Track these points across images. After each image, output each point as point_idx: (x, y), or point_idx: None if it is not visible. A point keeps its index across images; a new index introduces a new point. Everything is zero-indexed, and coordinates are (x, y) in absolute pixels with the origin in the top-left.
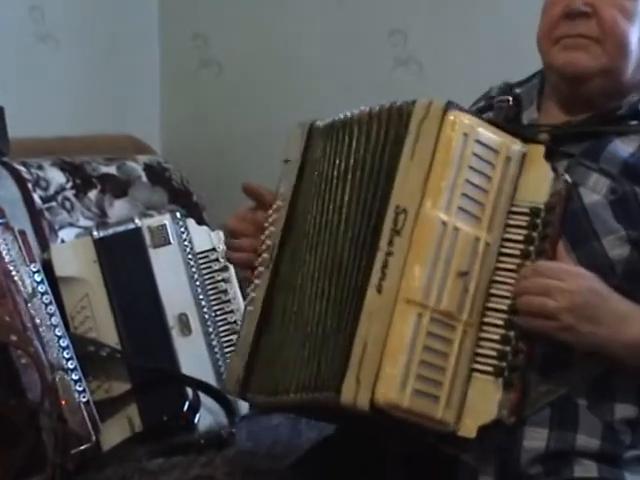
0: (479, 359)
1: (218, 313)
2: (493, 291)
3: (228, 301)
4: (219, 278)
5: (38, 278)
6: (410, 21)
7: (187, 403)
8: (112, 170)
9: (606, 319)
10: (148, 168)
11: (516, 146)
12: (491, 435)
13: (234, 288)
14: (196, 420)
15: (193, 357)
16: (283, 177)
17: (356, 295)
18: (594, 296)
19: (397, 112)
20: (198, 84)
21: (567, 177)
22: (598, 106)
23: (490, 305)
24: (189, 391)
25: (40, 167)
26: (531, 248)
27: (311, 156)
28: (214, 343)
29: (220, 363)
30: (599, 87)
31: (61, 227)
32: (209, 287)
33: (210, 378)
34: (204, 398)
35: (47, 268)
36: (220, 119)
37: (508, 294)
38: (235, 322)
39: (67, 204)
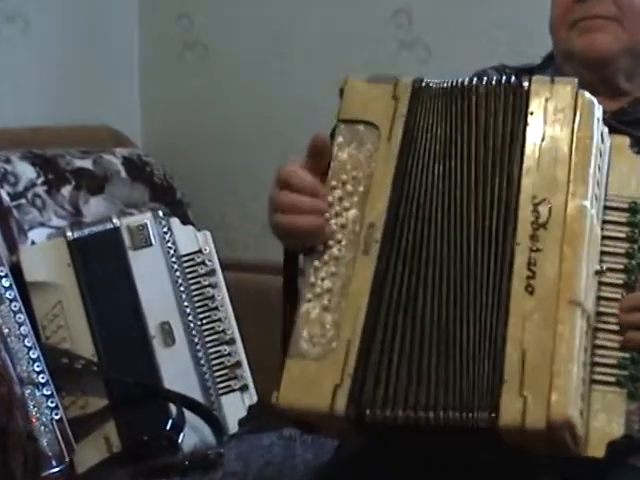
0: (597, 369)
1: (204, 322)
2: (605, 294)
3: (215, 308)
4: (206, 283)
5: (6, 283)
6: (415, 0)
7: (170, 421)
8: (87, 164)
9: None
10: (127, 162)
11: (616, 139)
12: (620, 453)
13: (222, 294)
14: (180, 440)
15: (177, 370)
16: (355, 142)
17: (497, 296)
18: None
19: (512, 90)
20: (182, 69)
21: None
22: (623, 90)
23: (604, 310)
24: (172, 408)
25: (8, 160)
26: (635, 246)
27: (418, 128)
28: (200, 354)
29: (207, 376)
30: (623, 68)
31: (31, 227)
32: (195, 293)
33: (196, 393)
34: (189, 415)
35: (16, 272)
36: (207, 107)
37: (613, 296)
38: (223, 331)
39: (38, 201)
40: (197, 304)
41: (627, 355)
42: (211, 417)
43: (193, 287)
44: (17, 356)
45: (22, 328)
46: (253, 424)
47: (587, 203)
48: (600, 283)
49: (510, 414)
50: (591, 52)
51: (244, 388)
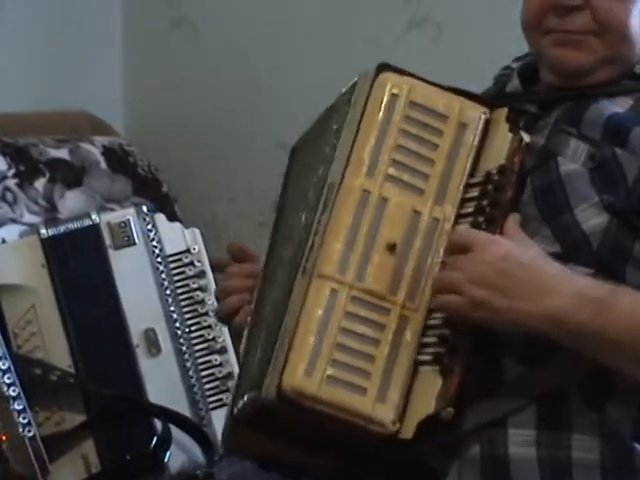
0: (425, 350)
1: (193, 328)
2: None
3: (205, 314)
4: (194, 286)
5: None
6: None
7: (155, 438)
8: (64, 154)
9: (524, 290)
10: (108, 152)
11: (474, 111)
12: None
13: (213, 298)
14: (166, 459)
15: (162, 382)
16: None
17: (289, 285)
18: (510, 265)
19: (349, 90)
20: (169, 49)
21: (523, 134)
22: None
23: None
24: (158, 423)
25: None
26: (480, 219)
27: (291, 174)
28: (188, 365)
29: (195, 389)
30: (606, 76)
31: (1, 224)
32: (182, 297)
33: (183, 407)
34: (176, 432)
35: None
36: (196, 92)
37: None
38: (213, 339)
39: (8, 196)
40: (185, 309)
41: (447, 332)
42: (200, 434)
43: (180, 290)
44: None
45: None
46: None
47: (362, 180)
48: (443, 263)
49: (266, 389)
50: (564, 66)
51: None
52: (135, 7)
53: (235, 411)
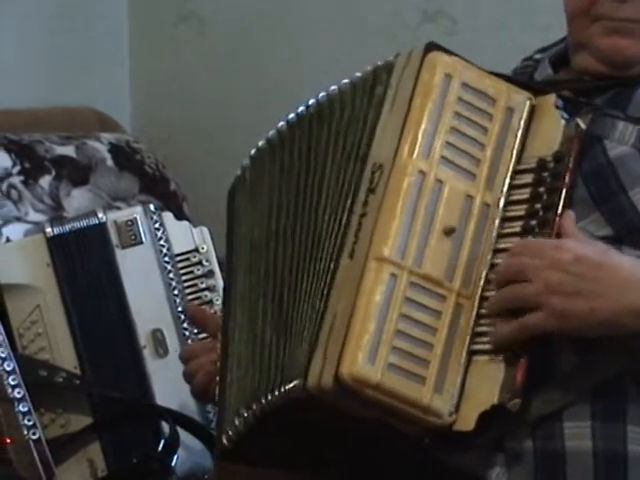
0: (480, 339)
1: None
2: (497, 261)
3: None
4: (202, 286)
5: None
6: None
7: (162, 441)
8: (69, 151)
9: (604, 289)
10: (114, 149)
11: (520, 96)
12: (496, 426)
13: (221, 298)
14: (174, 462)
15: (170, 384)
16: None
17: (332, 266)
18: (584, 267)
19: (375, 73)
20: (176, 44)
21: (579, 121)
22: None
23: (493, 277)
24: (165, 426)
25: None
26: (537, 205)
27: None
28: None
29: None
30: None
31: (6, 222)
32: (190, 297)
33: (191, 410)
34: (183, 435)
35: None
36: (204, 88)
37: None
38: None
39: (13, 194)
40: None
41: None
42: (208, 437)
43: (188, 290)
44: None
45: None
46: None
47: (417, 160)
48: (496, 250)
49: (313, 377)
50: (615, 55)
51: None
52: (142, 2)
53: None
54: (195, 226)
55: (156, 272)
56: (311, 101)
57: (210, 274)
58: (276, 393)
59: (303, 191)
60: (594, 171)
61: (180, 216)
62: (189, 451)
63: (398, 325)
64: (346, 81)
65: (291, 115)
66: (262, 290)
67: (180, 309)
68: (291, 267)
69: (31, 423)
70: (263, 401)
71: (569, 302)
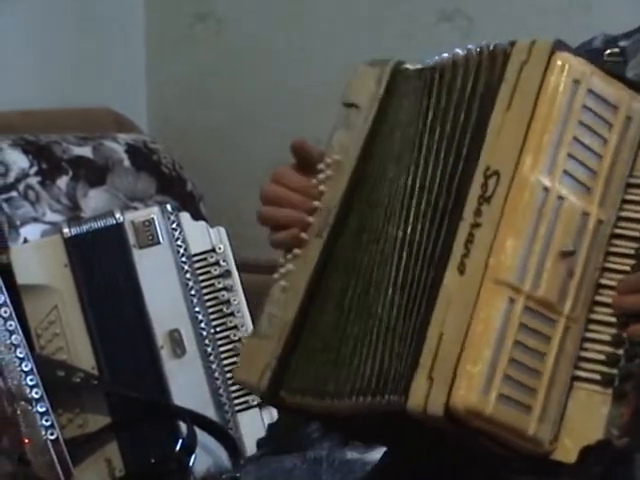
0: (583, 365)
1: (218, 329)
2: (604, 281)
3: (231, 314)
4: (220, 286)
5: None
6: None
7: (180, 441)
8: (87, 152)
9: None
10: (131, 149)
11: (638, 104)
12: (596, 461)
13: (239, 298)
14: (191, 462)
15: (187, 384)
16: (344, 125)
17: (432, 276)
18: None
19: (490, 56)
20: (192, 44)
21: None
22: None
23: (599, 299)
24: (182, 426)
25: None
26: None
27: (391, 107)
28: (213, 367)
29: (221, 391)
30: None
31: (23, 223)
32: (207, 297)
33: (209, 410)
34: (201, 435)
35: (6, 274)
36: (221, 87)
37: (611, 283)
38: (239, 340)
39: (31, 194)
40: (210, 309)
41: (620, 351)
42: (226, 437)
43: (206, 290)
44: (7, 368)
45: (13, 337)
46: (273, 445)
47: (541, 176)
48: (603, 269)
49: (416, 398)
50: None
51: (263, 405)
52: (158, 2)
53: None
54: (212, 226)
55: (173, 272)
56: (438, 58)
57: (227, 274)
58: (360, 399)
59: (403, 160)
60: None
61: (197, 216)
62: (206, 451)
63: (512, 353)
64: (459, 51)
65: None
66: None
67: (197, 309)
68: (375, 246)
69: (49, 423)
70: (333, 399)
71: None
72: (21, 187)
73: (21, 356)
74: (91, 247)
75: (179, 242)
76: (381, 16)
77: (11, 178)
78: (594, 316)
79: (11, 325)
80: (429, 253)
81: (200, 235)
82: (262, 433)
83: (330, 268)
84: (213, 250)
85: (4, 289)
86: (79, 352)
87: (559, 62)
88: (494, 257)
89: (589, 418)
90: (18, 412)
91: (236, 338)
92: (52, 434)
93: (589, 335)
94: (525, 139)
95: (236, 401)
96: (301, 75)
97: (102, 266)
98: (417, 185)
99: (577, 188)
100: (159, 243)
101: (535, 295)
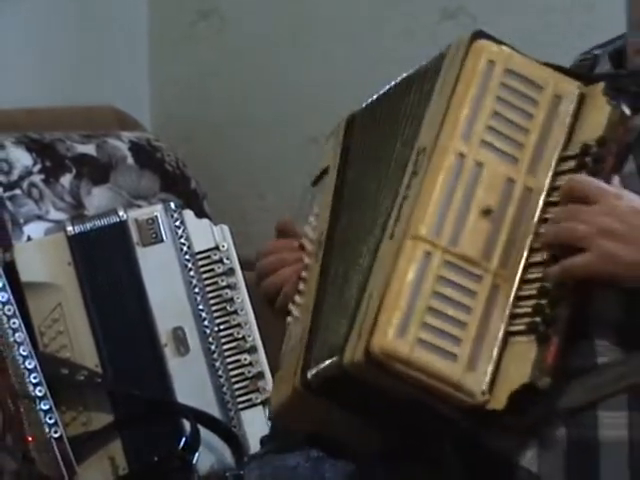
0: (517, 320)
1: (222, 327)
2: (537, 245)
3: (234, 312)
4: (223, 284)
5: None
6: None
7: (183, 439)
8: (90, 150)
9: None
10: (135, 147)
11: (569, 85)
12: (527, 408)
13: (242, 296)
14: (195, 460)
15: (191, 382)
16: (320, 191)
17: (373, 249)
18: (638, 217)
19: (435, 60)
20: (196, 42)
21: (624, 107)
22: None
23: (533, 260)
24: (186, 424)
25: (1, 146)
26: None
27: (354, 144)
28: (217, 364)
29: (225, 389)
30: None
31: (27, 221)
32: (211, 295)
33: (212, 408)
34: (204, 433)
35: (9, 272)
36: (224, 85)
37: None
38: (243, 338)
39: (34, 192)
40: (214, 307)
41: (544, 301)
42: (229, 435)
43: (209, 288)
44: (11, 366)
45: (17, 335)
46: (277, 443)
47: (457, 143)
48: (537, 234)
49: (348, 353)
50: None
51: (267, 402)
52: (160, 0)
53: (304, 378)
54: (215, 224)
55: (177, 270)
56: (393, 82)
57: (230, 272)
58: (320, 367)
59: (372, 169)
60: None
61: (200, 214)
62: (210, 449)
63: (430, 302)
64: (417, 66)
65: (382, 90)
66: (344, 251)
67: (201, 307)
68: (352, 240)
69: (52, 421)
70: (316, 369)
71: (620, 247)
72: (25, 185)
73: (24, 354)
74: (94, 245)
75: (182, 240)
76: (382, 14)
77: (15, 176)
78: (529, 276)
79: (15, 323)
80: (379, 228)
81: (203, 233)
82: (265, 431)
83: (326, 284)
84: (217, 248)
85: (8, 287)
86: (83, 350)
87: (476, 48)
88: (413, 218)
89: (519, 366)
90: (22, 410)
91: (240, 336)
92: (56, 432)
93: (523, 294)
94: (445, 115)
95: (239, 399)
96: (304, 73)
97: (105, 264)
98: (379, 187)
99: (500, 157)
100: (162, 241)
101: (453, 250)
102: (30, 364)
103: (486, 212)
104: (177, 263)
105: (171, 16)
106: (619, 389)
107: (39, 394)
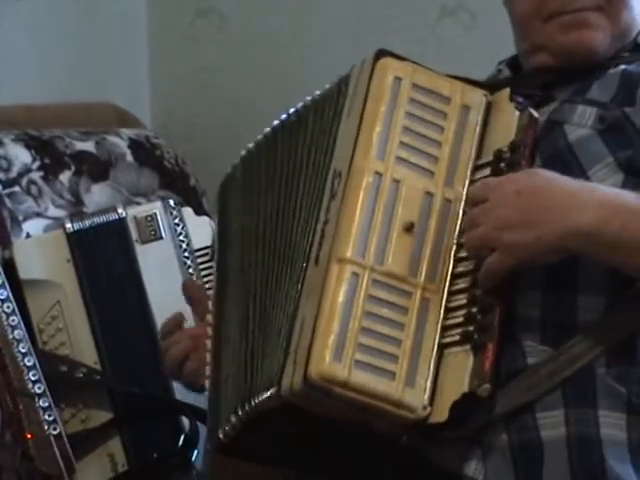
0: (450, 332)
1: None
2: (462, 254)
3: None
4: None
5: None
6: None
7: (183, 436)
8: (89, 147)
9: (547, 215)
10: (134, 144)
11: (475, 94)
12: (469, 415)
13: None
14: (194, 457)
15: None
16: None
17: (299, 277)
18: (525, 198)
19: (339, 84)
20: (195, 39)
21: (532, 111)
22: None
23: (458, 271)
24: (185, 421)
25: (0, 143)
26: None
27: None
28: None
29: None
30: (610, 52)
31: (26, 218)
32: (210, 292)
33: None
34: (204, 430)
35: (9, 269)
36: (224, 82)
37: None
38: None
39: (33, 189)
40: None
41: (474, 309)
42: None
43: (208, 285)
44: (10, 364)
45: (16, 332)
46: None
47: (372, 163)
48: (460, 245)
49: (286, 383)
50: (580, 50)
51: None
52: None
53: (224, 433)
54: (214, 221)
55: (176, 267)
56: (292, 110)
57: None
58: (257, 400)
59: (283, 200)
60: (554, 155)
61: (200, 211)
62: None
63: (363, 323)
64: (318, 92)
65: (276, 122)
66: (251, 292)
67: None
68: (271, 274)
69: (52, 418)
70: (250, 404)
71: (516, 235)
72: (24, 182)
73: (24, 351)
74: (94, 242)
75: (181, 237)
76: (383, 12)
77: (14, 173)
78: (456, 287)
79: (14, 320)
80: (302, 255)
81: (203, 230)
82: None
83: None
84: None
85: (7, 284)
86: (82, 347)
87: (381, 65)
88: (336, 241)
89: (457, 376)
90: (21, 407)
91: None
92: (55, 429)
93: (453, 304)
94: (357, 136)
95: None
96: (303, 71)
97: (104, 261)
98: (294, 216)
99: (415, 171)
100: (161, 238)
101: (381, 269)
102: (29, 361)
103: (408, 228)
104: (176, 260)
105: (170, 13)
106: (554, 385)
107: (38, 391)
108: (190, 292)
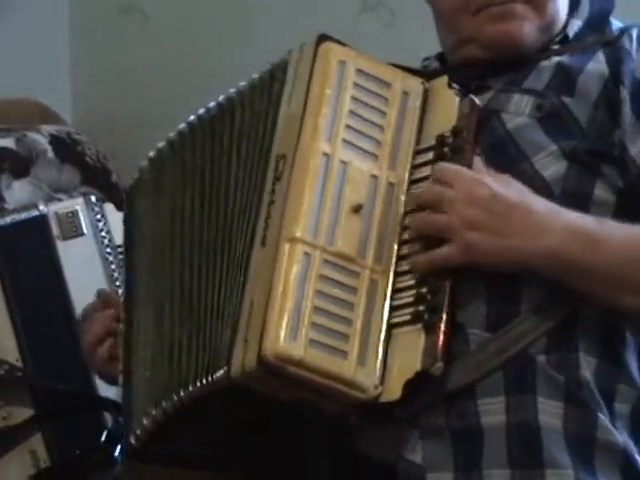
0: (398, 312)
1: None
2: (405, 237)
3: None
4: None
5: None
6: None
7: (105, 432)
8: (10, 143)
9: (518, 230)
10: (55, 141)
11: (414, 81)
12: (423, 394)
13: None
14: (117, 452)
15: None
16: None
17: (243, 260)
18: (500, 205)
19: (271, 72)
20: (118, 36)
21: (473, 98)
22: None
23: (404, 252)
24: (108, 417)
25: None
26: None
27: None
28: None
29: None
30: (538, 44)
31: None
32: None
33: None
34: None
35: None
36: (146, 80)
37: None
38: None
39: None
40: None
41: (424, 289)
42: None
43: None
44: None
45: None
46: None
47: (320, 144)
48: (404, 227)
49: (236, 363)
50: (507, 41)
51: None
52: None
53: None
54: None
55: (98, 263)
56: (212, 104)
57: None
58: (198, 385)
59: (209, 190)
60: (494, 144)
61: (121, 207)
62: None
63: (315, 302)
64: (244, 83)
65: (192, 117)
66: (169, 292)
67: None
68: (200, 266)
69: None
70: (178, 395)
71: (481, 237)
72: None
73: None
74: (14, 239)
75: (103, 233)
76: (303, 5)
77: None
78: (402, 268)
79: None
80: (244, 239)
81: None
82: None
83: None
84: None
85: None
86: (3, 344)
87: (324, 50)
88: (286, 221)
89: (408, 355)
90: None
91: None
92: None
93: (400, 285)
94: (302, 119)
95: None
96: (231, 65)
97: (26, 258)
98: (227, 205)
99: (361, 155)
100: (83, 234)
101: (331, 249)
102: None
103: (356, 209)
104: (98, 256)
105: (92, 9)
106: (499, 363)
107: None
108: (105, 297)
